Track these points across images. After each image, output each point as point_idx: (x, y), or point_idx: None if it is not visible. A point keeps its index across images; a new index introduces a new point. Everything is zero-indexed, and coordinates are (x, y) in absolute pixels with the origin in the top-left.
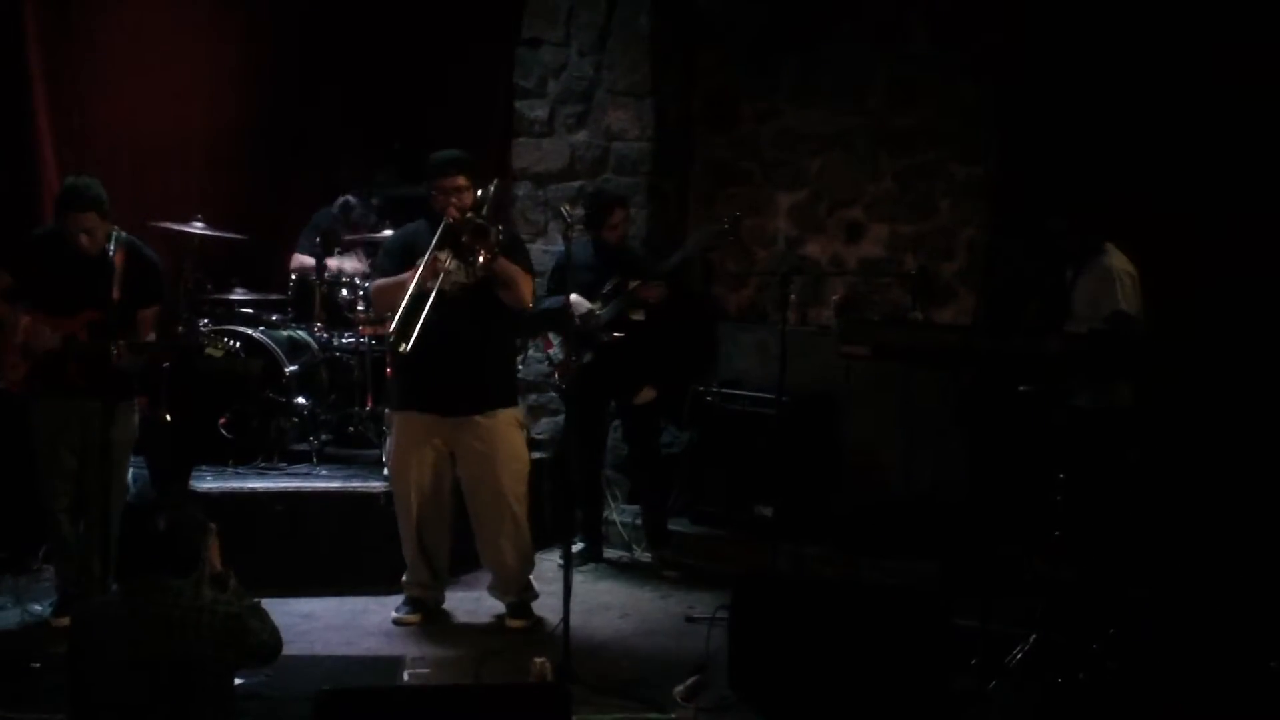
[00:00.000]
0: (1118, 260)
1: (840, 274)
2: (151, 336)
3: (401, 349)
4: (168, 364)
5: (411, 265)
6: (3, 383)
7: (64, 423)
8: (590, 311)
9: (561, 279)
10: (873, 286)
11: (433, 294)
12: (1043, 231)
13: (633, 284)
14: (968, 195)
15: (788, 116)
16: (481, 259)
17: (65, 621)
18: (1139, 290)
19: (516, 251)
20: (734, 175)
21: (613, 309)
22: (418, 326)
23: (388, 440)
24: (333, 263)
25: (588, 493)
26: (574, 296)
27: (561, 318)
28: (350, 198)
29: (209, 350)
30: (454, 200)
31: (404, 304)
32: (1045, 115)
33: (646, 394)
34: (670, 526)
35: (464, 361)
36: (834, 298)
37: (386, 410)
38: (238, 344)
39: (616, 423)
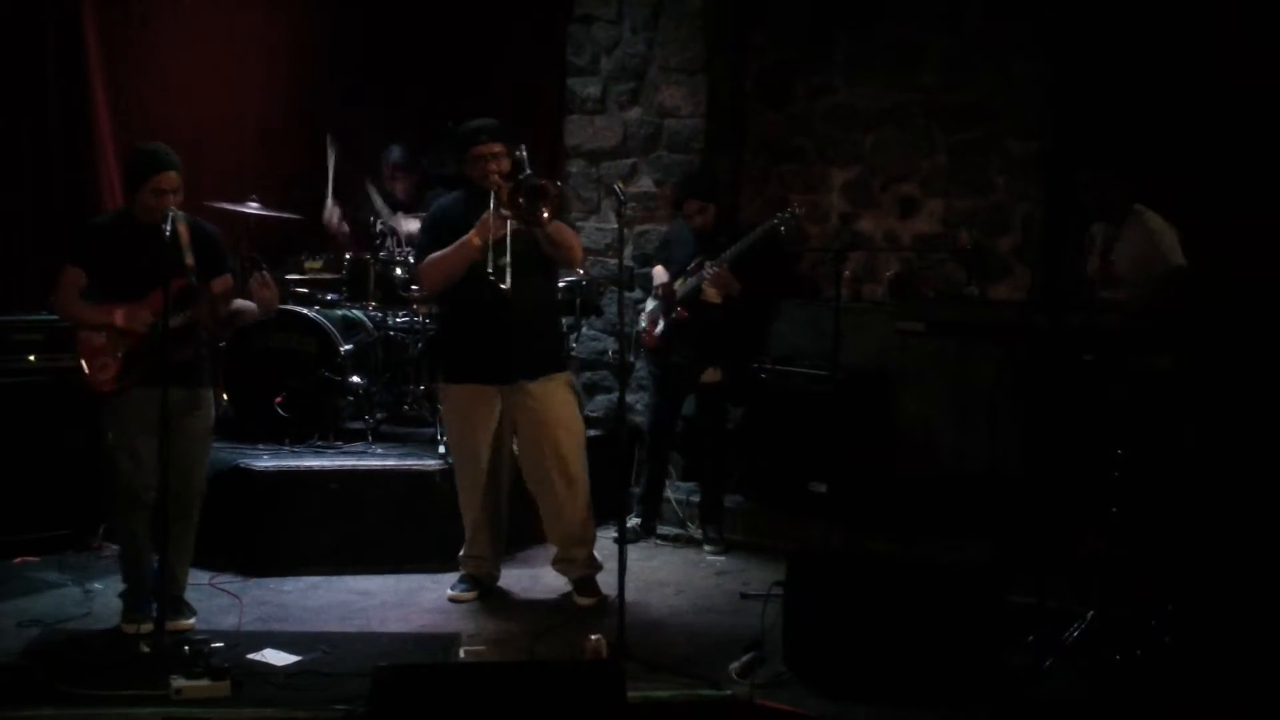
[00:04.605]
0: (1155, 221)
1: (894, 250)
2: (234, 305)
3: (503, 286)
4: (224, 344)
5: (455, 239)
6: (92, 386)
7: (145, 410)
8: (669, 285)
9: (666, 252)
10: (927, 262)
11: (495, 242)
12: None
13: (707, 266)
14: (1023, 171)
15: (841, 93)
16: (546, 214)
17: (136, 628)
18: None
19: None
20: (787, 152)
21: (686, 287)
22: (507, 265)
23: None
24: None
25: (654, 468)
26: (658, 269)
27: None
28: (395, 146)
29: None
30: (492, 166)
31: (487, 256)
32: (1101, 91)
33: (711, 374)
34: (724, 504)
35: (518, 329)
36: (888, 274)
37: (441, 382)
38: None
39: None
